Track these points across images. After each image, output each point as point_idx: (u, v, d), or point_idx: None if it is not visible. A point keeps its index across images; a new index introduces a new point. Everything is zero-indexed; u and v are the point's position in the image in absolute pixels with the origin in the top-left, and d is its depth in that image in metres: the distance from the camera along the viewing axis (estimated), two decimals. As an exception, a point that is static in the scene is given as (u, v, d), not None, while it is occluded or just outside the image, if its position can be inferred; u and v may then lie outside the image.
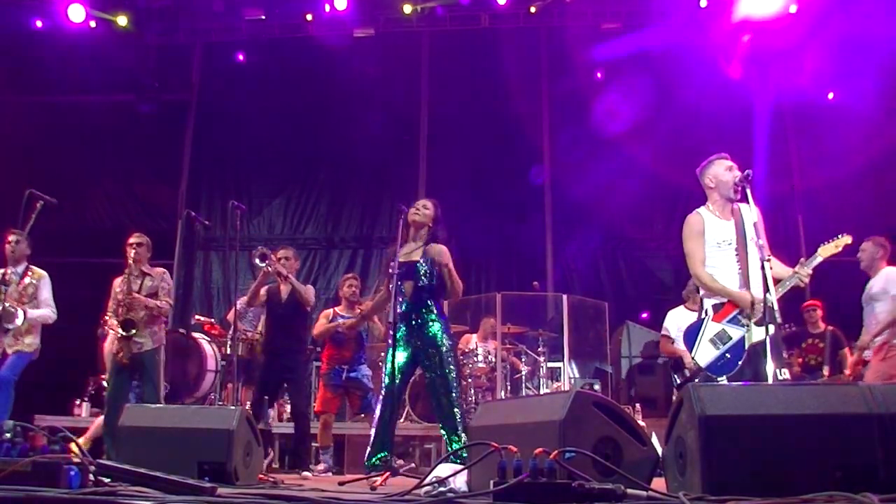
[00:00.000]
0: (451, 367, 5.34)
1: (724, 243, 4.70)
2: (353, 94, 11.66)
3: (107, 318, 6.62)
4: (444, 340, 5.38)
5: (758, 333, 4.41)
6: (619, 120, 10.80)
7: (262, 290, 6.84)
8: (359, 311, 7.07)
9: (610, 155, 10.51)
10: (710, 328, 4.61)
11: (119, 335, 6.33)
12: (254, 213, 11.64)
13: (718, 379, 4.48)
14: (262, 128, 11.84)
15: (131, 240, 6.59)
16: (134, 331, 6.32)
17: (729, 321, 4.57)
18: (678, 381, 6.98)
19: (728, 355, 4.51)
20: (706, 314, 4.69)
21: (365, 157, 11.39)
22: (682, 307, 7.33)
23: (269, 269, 6.60)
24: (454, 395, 5.28)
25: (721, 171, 4.82)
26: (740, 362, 4.48)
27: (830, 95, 10.86)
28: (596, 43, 11.12)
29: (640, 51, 10.96)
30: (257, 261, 6.62)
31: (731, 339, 4.53)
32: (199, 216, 7.20)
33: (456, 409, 5.24)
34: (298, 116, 11.45)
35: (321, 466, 7.01)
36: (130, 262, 6.50)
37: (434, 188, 11.01)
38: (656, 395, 9.38)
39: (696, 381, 6.74)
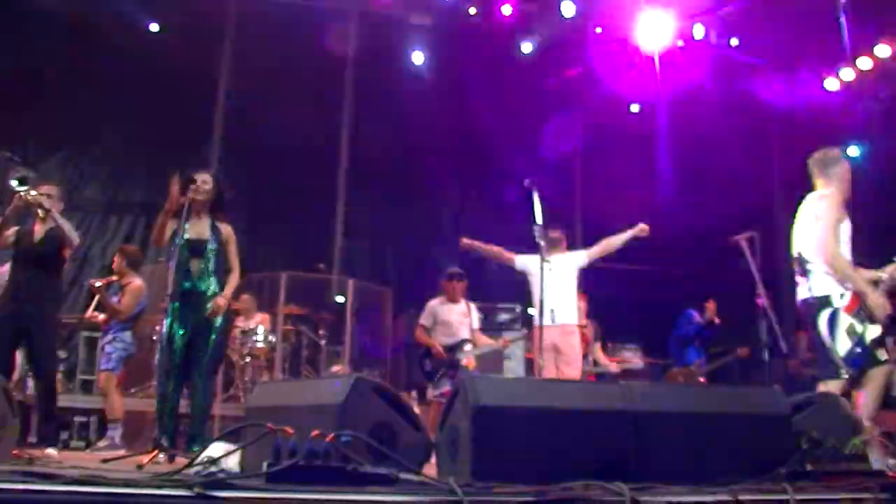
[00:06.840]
0: (218, 345, 5.39)
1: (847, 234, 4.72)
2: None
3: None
4: (220, 321, 5.40)
5: (873, 331, 4.51)
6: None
7: (11, 231, 5.69)
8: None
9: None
10: (843, 319, 4.58)
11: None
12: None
13: (849, 371, 4.50)
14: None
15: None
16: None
17: (854, 315, 4.57)
18: (428, 369, 7.10)
19: (858, 349, 4.52)
20: (831, 303, 4.64)
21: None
22: (439, 300, 7.36)
23: (29, 196, 5.46)
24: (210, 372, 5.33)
25: (844, 172, 4.88)
26: (865, 357, 4.52)
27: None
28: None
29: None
30: (14, 182, 5.41)
31: (856, 332, 4.55)
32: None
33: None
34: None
35: (103, 443, 6.62)
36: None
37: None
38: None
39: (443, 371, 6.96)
